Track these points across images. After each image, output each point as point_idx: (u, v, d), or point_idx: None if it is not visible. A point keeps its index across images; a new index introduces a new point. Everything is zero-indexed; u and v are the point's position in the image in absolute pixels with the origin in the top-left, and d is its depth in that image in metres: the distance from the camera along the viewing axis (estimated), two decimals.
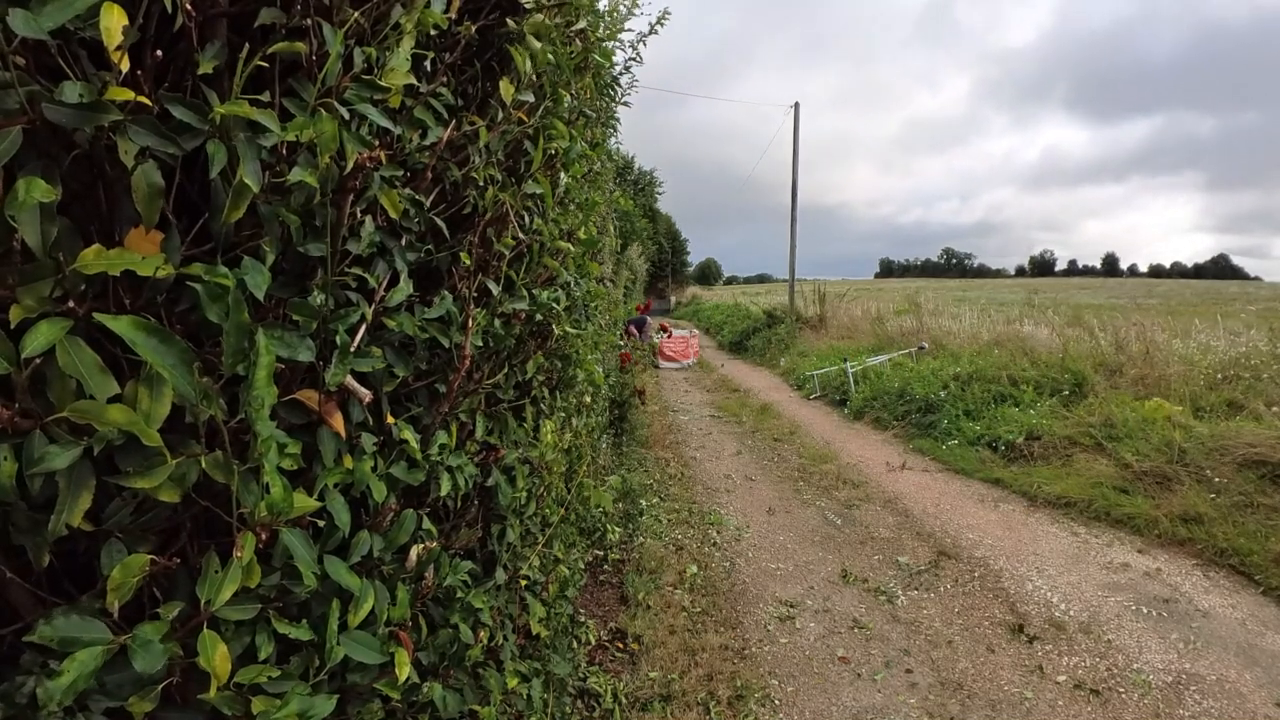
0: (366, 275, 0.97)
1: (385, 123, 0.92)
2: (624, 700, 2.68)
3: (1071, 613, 3.52)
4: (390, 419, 1.07)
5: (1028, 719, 2.69)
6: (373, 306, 0.99)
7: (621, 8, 2.69)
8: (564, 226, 1.87)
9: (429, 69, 1.13)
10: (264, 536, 0.72)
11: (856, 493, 5.56)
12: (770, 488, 5.78)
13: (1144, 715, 2.71)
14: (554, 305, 1.65)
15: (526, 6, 1.37)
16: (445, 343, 1.18)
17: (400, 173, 1.02)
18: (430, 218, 1.14)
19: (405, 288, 1.04)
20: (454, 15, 1.12)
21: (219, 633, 0.70)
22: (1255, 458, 4.79)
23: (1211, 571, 4.00)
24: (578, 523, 2.89)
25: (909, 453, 6.91)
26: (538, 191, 1.47)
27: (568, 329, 1.87)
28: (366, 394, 0.96)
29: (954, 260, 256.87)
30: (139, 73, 0.65)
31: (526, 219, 1.52)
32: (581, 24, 1.76)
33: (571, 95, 1.81)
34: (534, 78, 1.39)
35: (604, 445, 4.75)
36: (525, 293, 1.52)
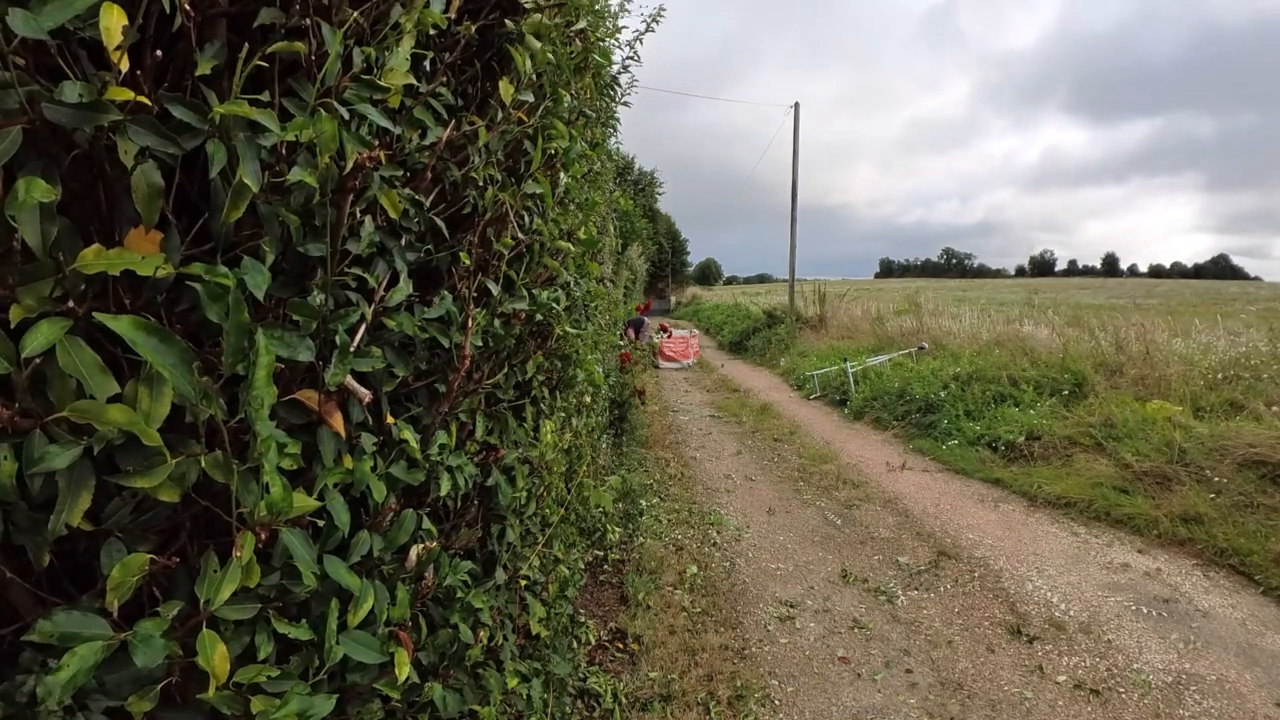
0: (366, 275, 0.97)
1: (385, 123, 0.92)
2: (624, 700, 2.68)
3: (1071, 613, 3.52)
4: (390, 419, 1.07)
5: (1028, 719, 2.69)
6: (372, 306, 0.99)
7: (612, 5, 2.69)
8: (564, 226, 1.87)
9: (428, 69, 1.13)
10: (263, 536, 0.72)
11: (856, 493, 5.56)
12: (770, 488, 5.78)
13: (1144, 715, 2.71)
14: (554, 305, 1.65)
15: (526, 6, 1.37)
16: (445, 343, 1.18)
17: (400, 173, 1.02)
18: (430, 218, 1.14)
19: (405, 288, 1.04)
20: (453, 15, 1.12)
21: (218, 632, 0.70)
22: (1255, 458, 4.79)
23: (1211, 571, 4.00)
24: (578, 523, 2.89)
25: (909, 453, 6.91)
26: (537, 191, 1.48)
27: (568, 329, 1.87)
28: (366, 394, 0.96)
29: (954, 260, 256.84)
30: (139, 73, 0.65)
31: (526, 219, 1.52)
32: (581, 24, 1.76)
33: (571, 95, 1.81)
34: (533, 78, 1.39)
35: (604, 445, 4.75)
36: (525, 293, 1.52)
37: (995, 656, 3.12)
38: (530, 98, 1.40)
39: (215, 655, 0.67)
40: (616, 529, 4.21)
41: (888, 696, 2.83)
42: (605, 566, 3.92)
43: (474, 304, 1.28)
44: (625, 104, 3.77)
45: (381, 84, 0.91)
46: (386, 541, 1.02)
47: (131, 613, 0.66)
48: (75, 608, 0.62)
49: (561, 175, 1.69)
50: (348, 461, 0.92)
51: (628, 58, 3.63)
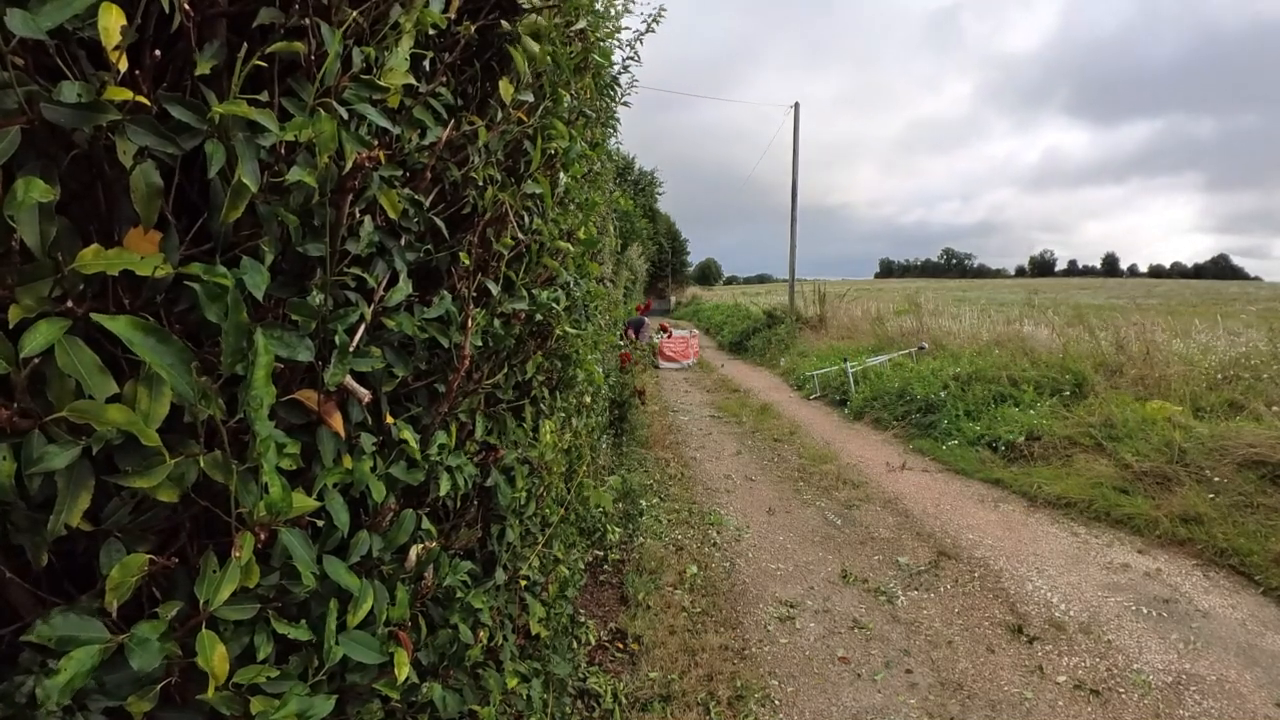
0: (365, 275, 0.97)
1: (384, 122, 0.92)
2: (624, 700, 2.68)
3: (1071, 613, 3.52)
4: (389, 419, 1.07)
5: (1027, 719, 2.69)
6: (372, 306, 0.99)
7: (614, 8, 2.69)
8: (564, 226, 1.87)
9: (428, 69, 1.13)
10: (263, 536, 0.72)
11: (856, 493, 5.56)
12: (770, 488, 5.78)
13: (1144, 715, 2.71)
14: (554, 305, 1.65)
15: (524, 7, 1.37)
16: (445, 343, 1.18)
17: (399, 172, 1.02)
18: (429, 217, 1.14)
19: (404, 287, 1.04)
20: (453, 15, 1.12)
21: (217, 632, 0.70)
22: (1255, 458, 4.79)
23: (1211, 572, 4.00)
24: (578, 523, 2.89)
25: (909, 453, 6.91)
26: (537, 191, 1.47)
27: (568, 329, 1.87)
28: (366, 394, 0.96)
29: (954, 260, 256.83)
30: (137, 72, 0.65)
31: (526, 219, 1.52)
32: (581, 24, 1.76)
33: (571, 95, 1.81)
34: (530, 78, 1.39)
35: (604, 445, 4.75)
36: (525, 293, 1.52)
37: (995, 657, 3.12)
38: (530, 98, 1.40)
39: (214, 655, 0.67)
40: (616, 529, 4.21)
41: (888, 697, 2.83)
42: (605, 566, 3.92)
43: (474, 304, 1.27)
44: (625, 104, 3.77)
45: (381, 84, 0.91)
46: (386, 542, 1.02)
47: (131, 613, 0.66)
48: (73, 609, 0.61)
49: (561, 175, 1.68)
50: (347, 461, 0.92)
51: (628, 58, 3.63)
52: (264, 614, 0.78)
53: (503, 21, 1.33)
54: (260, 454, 0.69)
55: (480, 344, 1.31)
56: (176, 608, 0.68)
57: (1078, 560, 4.18)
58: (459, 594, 1.26)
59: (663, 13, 3.52)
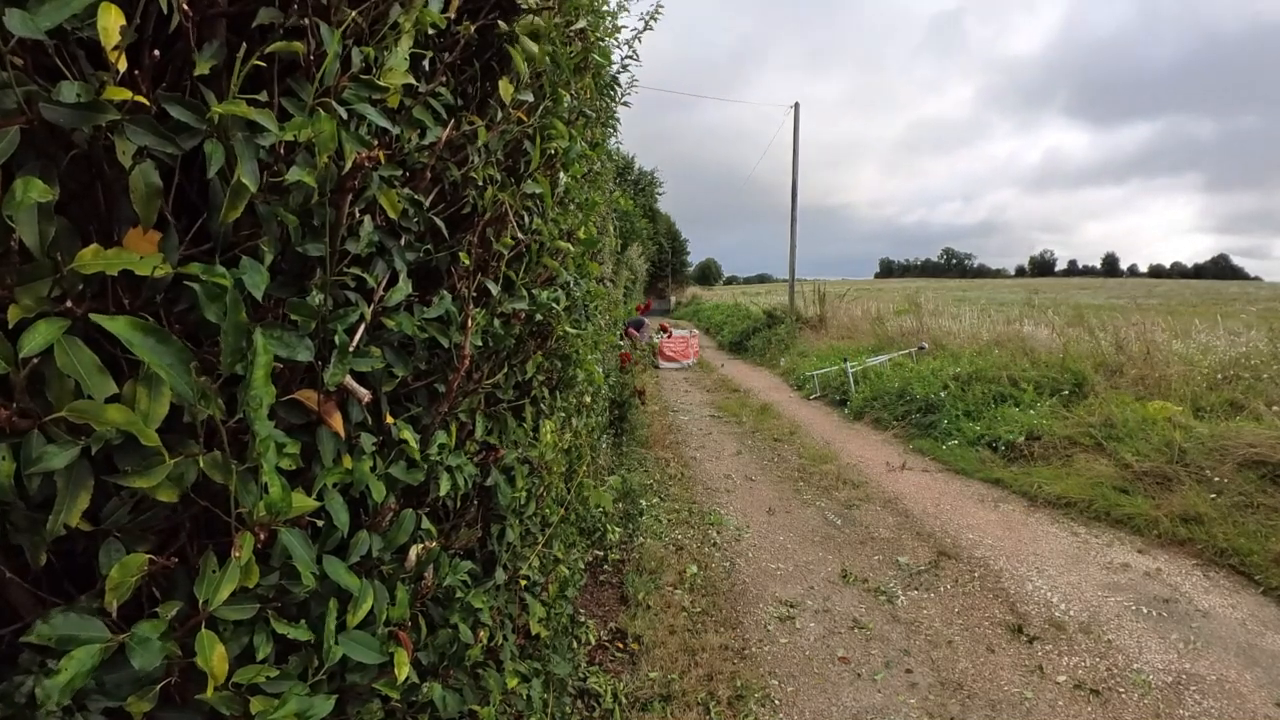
0: (365, 275, 0.97)
1: (384, 122, 0.92)
2: (624, 700, 2.68)
3: (1071, 613, 3.52)
4: (389, 419, 1.07)
5: (1027, 719, 2.69)
6: (371, 306, 0.99)
7: (608, 6, 2.69)
8: (564, 226, 1.87)
9: (428, 69, 1.13)
10: (262, 536, 0.72)
11: (856, 493, 5.56)
12: (770, 488, 5.78)
13: (1144, 715, 2.71)
14: (554, 305, 1.65)
15: (522, 7, 1.37)
16: (444, 342, 1.18)
17: (399, 172, 1.02)
18: (429, 217, 1.14)
19: (404, 287, 1.04)
20: (453, 15, 1.12)
21: (217, 632, 0.70)
22: (1255, 458, 4.79)
23: (1211, 571, 4.00)
24: (578, 523, 2.89)
25: (909, 453, 6.91)
26: (537, 191, 1.47)
27: (568, 329, 1.87)
28: (365, 394, 0.96)
29: (954, 260, 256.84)
30: (137, 72, 0.65)
31: (526, 219, 1.52)
32: (581, 24, 1.76)
33: (571, 95, 1.81)
34: (530, 78, 1.39)
35: (604, 445, 4.75)
36: (525, 292, 1.52)
37: (995, 656, 3.12)
38: (529, 97, 1.40)
39: (214, 656, 0.67)
40: (616, 529, 4.21)
41: (888, 696, 2.83)
42: (605, 566, 3.92)
43: (473, 304, 1.27)
44: (625, 104, 3.76)
45: (380, 84, 0.91)
46: (386, 541, 1.02)
47: (131, 612, 0.66)
48: (73, 609, 0.61)
49: (561, 175, 1.68)
50: (347, 461, 0.92)
51: (627, 57, 3.63)
52: (264, 614, 0.78)
53: (501, 22, 1.33)
54: (260, 454, 0.69)
55: (480, 344, 1.31)
56: (176, 608, 0.68)
57: (1078, 560, 4.18)
58: (459, 594, 1.26)
59: (660, 10, 3.51)
